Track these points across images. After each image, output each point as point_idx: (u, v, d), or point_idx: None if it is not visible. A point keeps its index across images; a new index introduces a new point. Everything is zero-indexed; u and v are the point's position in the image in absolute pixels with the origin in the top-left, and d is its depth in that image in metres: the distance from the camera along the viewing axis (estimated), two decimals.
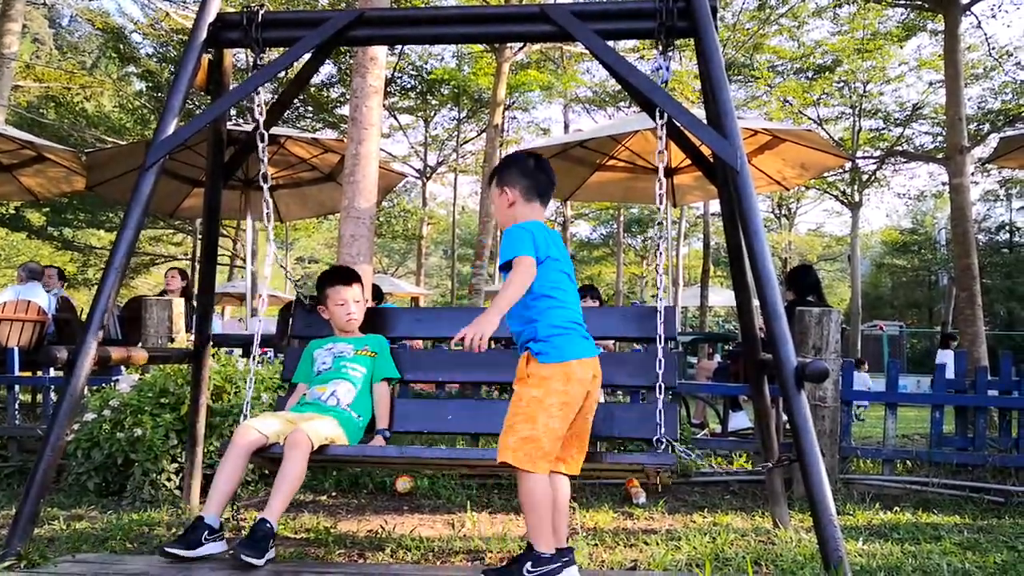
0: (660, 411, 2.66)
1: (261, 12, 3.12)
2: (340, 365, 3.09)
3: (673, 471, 2.68)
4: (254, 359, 3.14)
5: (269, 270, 3.20)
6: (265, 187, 3.07)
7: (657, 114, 2.87)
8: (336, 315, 3.17)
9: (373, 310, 3.43)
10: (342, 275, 3.22)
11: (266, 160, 3.08)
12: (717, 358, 11.83)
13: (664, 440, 2.63)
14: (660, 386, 2.67)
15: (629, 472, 2.70)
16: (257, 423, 2.77)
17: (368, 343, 3.18)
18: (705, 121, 3.03)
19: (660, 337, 2.69)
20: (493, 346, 5.30)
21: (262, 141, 3.07)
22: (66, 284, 8.66)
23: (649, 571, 2.74)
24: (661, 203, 2.76)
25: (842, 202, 22.72)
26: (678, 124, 3.03)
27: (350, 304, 3.15)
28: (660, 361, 2.67)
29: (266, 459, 2.78)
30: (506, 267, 2.38)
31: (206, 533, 2.57)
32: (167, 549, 2.53)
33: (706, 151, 3.29)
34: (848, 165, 19.32)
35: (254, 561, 2.45)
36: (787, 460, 3.31)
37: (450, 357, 3.56)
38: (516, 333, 2.50)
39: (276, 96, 3.85)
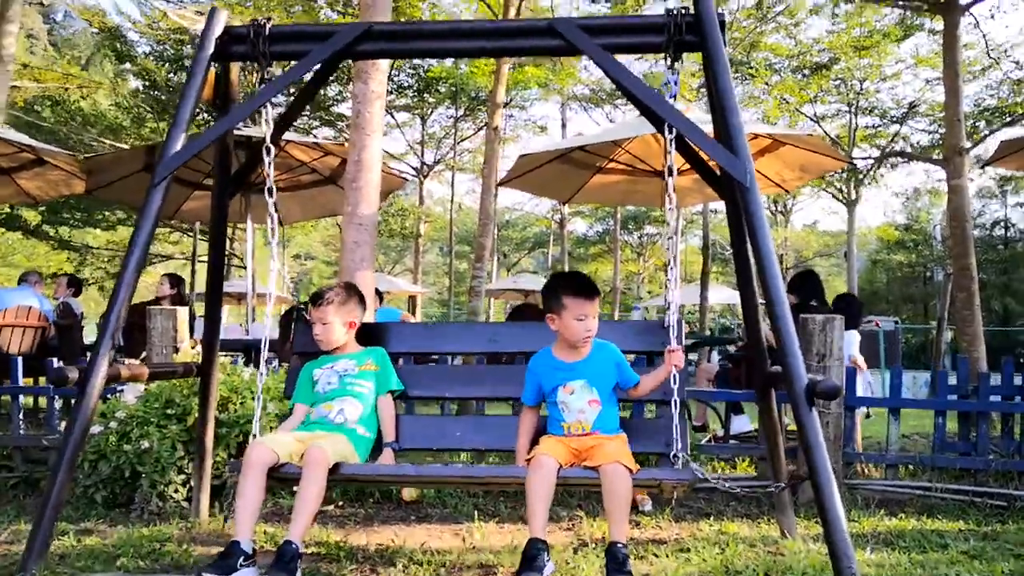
0: (676, 426, 2.66)
1: (268, 25, 3.11)
2: (346, 383, 3.11)
3: (688, 486, 2.69)
4: (262, 374, 3.13)
5: (273, 286, 3.21)
6: (270, 201, 3.09)
7: (666, 129, 2.87)
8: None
9: (372, 326, 3.44)
10: (312, 298, 3.28)
11: (272, 175, 3.08)
12: (715, 358, 11.83)
13: (680, 456, 2.64)
14: (675, 401, 2.68)
15: (644, 487, 2.70)
16: (269, 441, 2.78)
17: (371, 357, 3.21)
18: (711, 131, 3.03)
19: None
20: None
21: (268, 155, 3.09)
22: (75, 291, 8.46)
23: None
24: (672, 212, 2.77)
25: (839, 200, 22.74)
26: (688, 141, 3.03)
27: (318, 324, 3.20)
28: (675, 376, 2.68)
29: (277, 479, 2.77)
30: None
31: (241, 559, 2.56)
32: (204, 574, 2.52)
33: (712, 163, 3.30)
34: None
35: None
36: (798, 479, 3.32)
37: (452, 373, 3.58)
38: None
39: (282, 109, 3.85)
